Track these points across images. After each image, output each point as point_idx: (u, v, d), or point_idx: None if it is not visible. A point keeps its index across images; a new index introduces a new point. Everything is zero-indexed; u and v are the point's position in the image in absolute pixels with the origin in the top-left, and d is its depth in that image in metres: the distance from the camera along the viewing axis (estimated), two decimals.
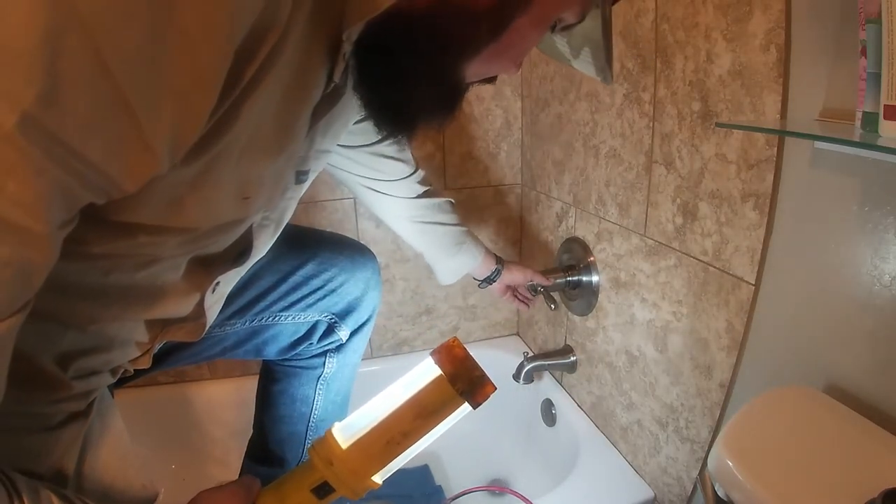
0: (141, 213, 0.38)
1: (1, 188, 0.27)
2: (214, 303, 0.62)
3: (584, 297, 1.18)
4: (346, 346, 0.90)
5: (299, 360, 0.89)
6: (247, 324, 0.81)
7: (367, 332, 0.93)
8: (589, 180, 1.13)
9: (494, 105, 1.41)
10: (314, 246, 0.86)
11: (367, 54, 0.41)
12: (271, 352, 0.86)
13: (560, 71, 1.20)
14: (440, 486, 1.34)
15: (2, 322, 0.31)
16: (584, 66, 0.54)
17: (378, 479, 0.52)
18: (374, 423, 0.50)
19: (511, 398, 1.42)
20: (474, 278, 1.08)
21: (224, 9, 0.30)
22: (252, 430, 0.96)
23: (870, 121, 0.49)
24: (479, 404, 0.52)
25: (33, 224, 0.29)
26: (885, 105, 0.47)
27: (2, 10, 0.24)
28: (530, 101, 1.38)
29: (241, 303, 0.79)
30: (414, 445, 0.51)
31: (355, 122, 0.69)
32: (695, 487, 0.91)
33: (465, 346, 0.52)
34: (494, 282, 1.08)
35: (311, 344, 0.87)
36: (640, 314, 1.00)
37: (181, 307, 0.55)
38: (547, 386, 1.38)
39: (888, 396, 0.57)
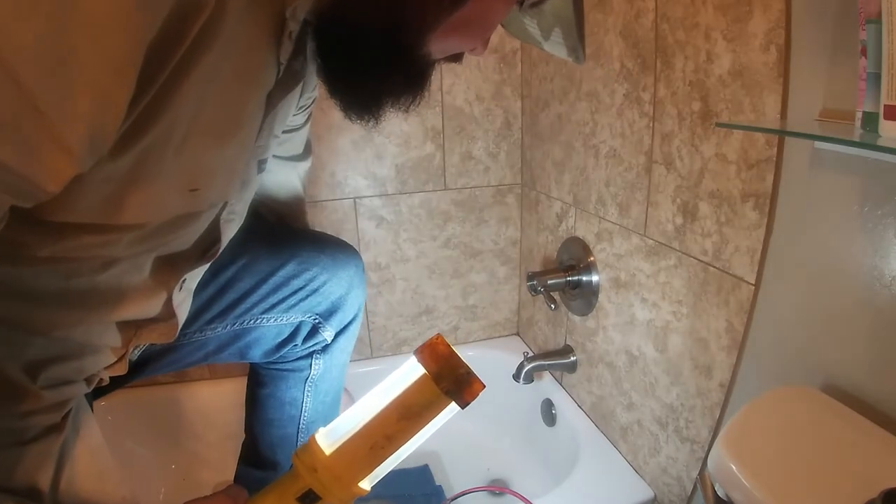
0: (77, 213, 0.36)
1: None
2: (182, 300, 0.60)
3: (584, 297, 1.18)
4: (332, 346, 0.88)
5: (285, 362, 0.87)
6: (228, 327, 0.79)
7: (353, 331, 0.91)
8: (589, 180, 1.13)
9: (494, 105, 1.41)
10: (294, 245, 0.84)
11: (324, 34, 0.39)
12: (255, 355, 0.84)
13: (560, 71, 1.20)
14: (440, 486, 1.34)
15: None
16: (556, 47, 0.50)
17: (366, 485, 0.50)
18: (358, 428, 0.48)
19: (511, 398, 1.42)
20: None
21: None
22: (244, 434, 0.95)
23: (870, 121, 0.49)
24: (468, 403, 0.49)
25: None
26: (885, 105, 0.47)
27: None
28: (530, 101, 1.38)
29: (222, 306, 0.78)
30: (401, 449, 0.49)
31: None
32: (695, 487, 0.91)
33: (449, 343, 0.50)
34: None
35: (295, 346, 0.85)
36: (640, 314, 1.00)
37: (148, 307, 0.53)
38: (547, 386, 1.38)
39: (888, 396, 0.57)
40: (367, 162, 1.37)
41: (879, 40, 0.46)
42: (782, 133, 0.66)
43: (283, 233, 0.87)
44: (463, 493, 1.19)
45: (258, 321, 0.81)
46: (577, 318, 1.24)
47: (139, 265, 0.48)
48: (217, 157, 0.42)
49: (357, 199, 1.39)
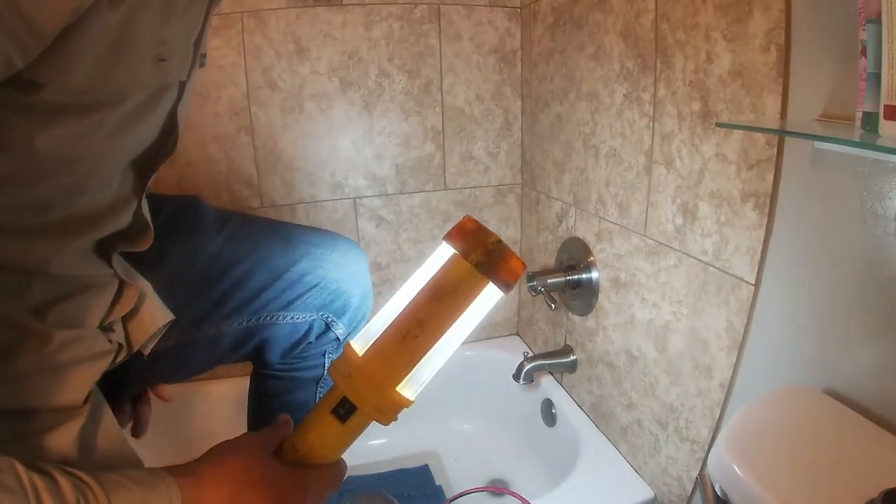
0: (68, 78, 0.34)
1: None
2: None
3: (584, 297, 1.18)
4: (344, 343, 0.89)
5: (299, 362, 0.87)
6: (244, 323, 0.79)
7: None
8: (589, 180, 1.13)
9: (494, 105, 1.41)
10: (305, 243, 0.84)
11: None
12: (273, 355, 0.83)
13: (560, 71, 1.20)
14: (440, 486, 1.34)
15: None
16: None
17: (408, 392, 0.44)
18: (393, 323, 0.43)
19: (511, 398, 1.42)
20: None
21: None
22: None
23: (870, 121, 0.49)
24: (507, 284, 0.43)
25: None
26: (885, 105, 0.47)
27: None
28: (530, 101, 1.38)
29: (238, 301, 0.77)
30: (439, 342, 0.43)
31: None
32: (695, 487, 0.91)
33: (477, 220, 0.45)
34: None
35: (309, 343, 0.85)
36: (640, 314, 1.00)
37: (122, 220, 0.52)
38: (547, 386, 1.38)
39: (888, 397, 0.57)
40: (367, 162, 1.37)
41: (879, 40, 0.46)
42: (782, 133, 0.66)
43: (292, 230, 0.86)
44: (463, 494, 1.19)
45: (274, 318, 0.80)
46: (577, 318, 1.24)
47: (108, 178, 0.47)
48: (178, 29, 0.42)
49: (357, 199, 1.39)
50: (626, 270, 1.03)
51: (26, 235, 0.42)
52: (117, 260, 0.55)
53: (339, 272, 0.84)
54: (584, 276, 1.17)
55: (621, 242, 1.04)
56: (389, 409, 0.44)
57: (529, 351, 1.49)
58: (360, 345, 0.44)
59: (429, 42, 1.32)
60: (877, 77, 0.47)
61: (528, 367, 1.28)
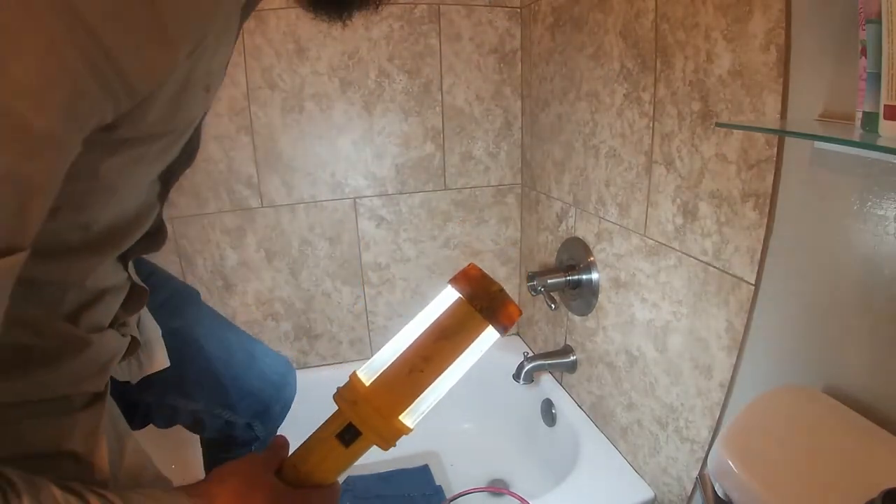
0: (140, 121, 0.35)
1: (2, 70, 0.23)
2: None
3: (584, 297, 1.18)
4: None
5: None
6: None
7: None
8: (589, 180, 1.13)
9: (494, 105, 1.41)
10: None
11: None
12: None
13: (560, 71, 1.20)
14: (440, 486, 1.34)
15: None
16: None
17: (408, 421, 0.48)
18: (399, 357, 0.47)
19: (511, 398, 1.42)
20: None
21: None
22: None
23: (870, 121, 0.49)
24: (505, 327, 0.47)
25: (40, 119, 0.25)
26: (885, 105, 0.47)
27: None
28: (530, 101, 1.38)
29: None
30: (441, 377, 0.47)
31: None
32: (695, 487, 0.91)
33: (481, 268, 0.49)
34: None
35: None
36: (640, 314, 1.00)
37: (146, 226, 0.54)
38: (547, 386, 1.38)
39: (888, 396, 0.57)
40: (367, 162, 1.37)
41: (879, 40, 0.46)
42: (782, 133, 0.66)
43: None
44: (463, 494, 1.19)
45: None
46: (577, 318, 1.24)
47: (140, 187, 0.48)
48: (220, 58, 0.44)
49: (357, 199, 1.39)
50: (626, 270, 1.03)
51: (70, 253, 0.44)
52: (130, 264, 0.57)
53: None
54: (584, 276, 1.17)
55: (621, 242, 1.04)
56: (392, 436, 0.47)
57: (529, 351, 1.49)
58: (365, 375, 0.47)
59: (429, 42, 1.32)
60: (877, 77, 0.47)
61: (528, 367, 1.28)
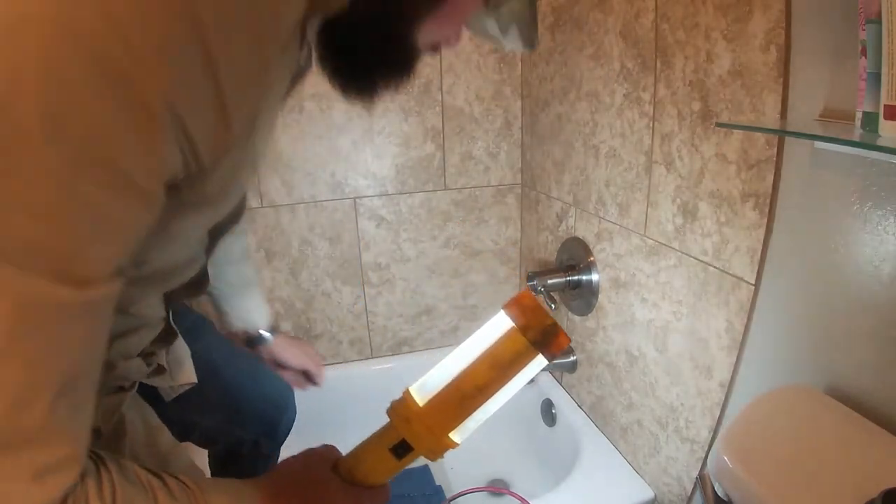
0: (200, 188, 0.39)
1: (139, 159, 0.30)
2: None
3: (584, 297, 1.18)
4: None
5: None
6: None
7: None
8: (589, 180, 1.13)
9: (494, 105, 1.41)
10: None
11: (329, 35, 0.45)
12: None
13: (560, 71, 1.20)
14: (440, 486, 1.34)
15: (99, 285, 0.32)
16: (512, 42, 0.56)
17: (456, 437, 0.51)
18: (452, 380, 0.49)
19: (511, 398, 1.42)
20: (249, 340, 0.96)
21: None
22: None
23: (870, 121, 0.49)
24: (554, 356, 0.50)
25: (150, 183, 0.32)
26: (885, 105, 0.47)
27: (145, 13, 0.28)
28: (530, 101, 1.38)
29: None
30: (490, 401, 0.50)
31: None
32: (695, 487, 0.91)
33: (534, 297, 0.51)
34: (259, 345, 0.95)
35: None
36: (640, 314, 1.00)
37: (191, 274, 0.58)
38: (547, 386, 1.38)
39: (888, 397, 0.57)
40: (367, 162, 1.37)
41: (879, 40, 0.46)
42: (782, 133, 0.66)
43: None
44: (463, 493, 1.19)
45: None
46: (577, 318, 1.24)
47: (193, 240, 0.53)
48: (266, 143, 0.49)
49: (357, 199, 1.39)
50: (626, 270, 1.03)
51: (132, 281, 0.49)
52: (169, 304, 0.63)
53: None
54: (584, 276, 1.17)
55: (621, 242, 1.04)
56: (441, 450, 0.51)
57: None
58: (419, 395, 0.51)
59: None
60: (877, 77, 0.47)
61: None
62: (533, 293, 0.53)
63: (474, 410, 0.49)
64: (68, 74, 0.28)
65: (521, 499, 0.97)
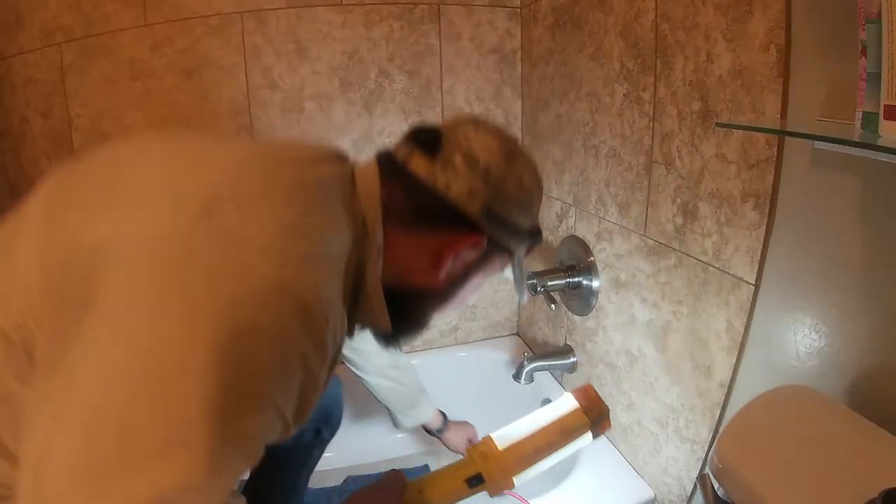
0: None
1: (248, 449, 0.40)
2: None
3: (583, 297, 1.18)
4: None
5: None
6: None
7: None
8: (589, 180, 1.13)
9: (494, 105, 1.41)
10: None
11: (379, 328, 0.63)
12: None
13: (560, 71, 1.20)
14: None
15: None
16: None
17: (517, 481, 0.62)
18: (526, 435, 0.64)
19: (511, 398, 1.42)
20: (425, 429, 1.24)
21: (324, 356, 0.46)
22: None
23: (870, 121, 0.49)
24: (598, 436, 0.66)
25: (255, 445, 0.42)
26: (885, 105, 0.47)
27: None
28: (530, 101, 1.38)
29: None
30: (549, 457, 0.63)
31: None
32: (695, 487, 0.91)
33: (595, 389, 0.67)
34: (437, 436, 1.24)
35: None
36: (640, 314, 1.00)
37: None
38: (547, 386, 1.38)
39: (888, 396, 0.57)
40: None
41: (879, 40, 0.46)
42: (782, 133, 0.66)
43: None
44: None
45: None
46: (577, 318, 1.24)
47: None
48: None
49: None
50: (626, 270, 1.03)
51: None
52: None
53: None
54: (584, 276, 1.17)
55: (621, 242, 1.04)
56: (504, 488, 0.62)
57: (529, 351, 1.49)
58: (499, 441, 0.64)
59: (429, 42, 1.32)
60: (877, 77, 0.47)
61: (528, 367, 1.28)
62: (595, 389, 0.68)
63: (539, 461, 0.63)
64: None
65: (521, 498, 0.97)
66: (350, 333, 0.61)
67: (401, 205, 0.58)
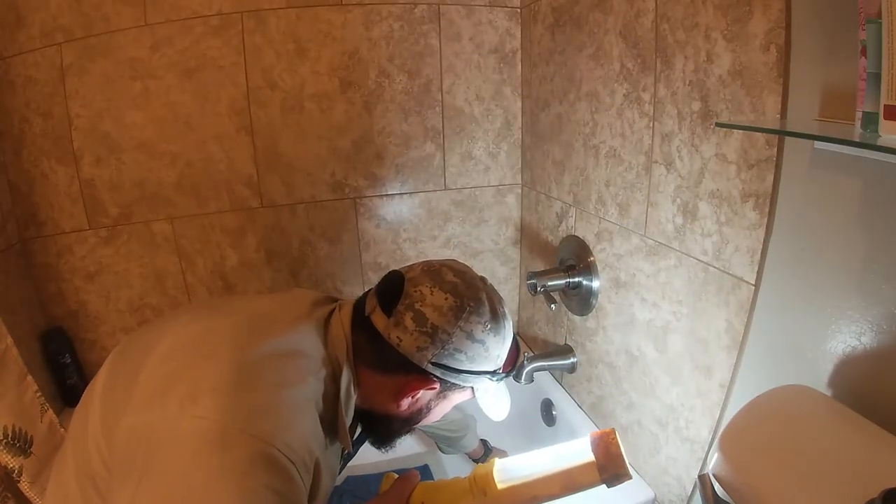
0: None
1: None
2: None
3: (583, 297, 1.18)
4: None
5: None
6: None
7: None
8: (589, 180, 1.13)
9: (494, 105, 1.41)
10: None
11: (370, 437, 0.79)
12: None
13: (560, 71, 1.20)
14: None
15: None
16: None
17: None
18: (528, 479, 0.62)
19: (511, 398, 1.42)
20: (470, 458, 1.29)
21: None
22: None
23: (870, 121, 0.49)
24: (613, 486, 0.62)
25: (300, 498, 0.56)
26: (885, 105, 0.47)
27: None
28: (530, 101, 1.38)
29: None
30: None
31: None
32: (695, 487, 0.91)
33: (619, 443, 0.62)
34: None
35: None
36: (640, 314, 1.00)
37: None
38: (547, 386, 1.38)
39: (888, 396, 0.57)
40: (367, 162, 1.37)
41: (879, 40, 0.46)
42: (782, 133, 0.66)
43: None
44: None
45: None
46: (576, 318, 1.24)
47: None
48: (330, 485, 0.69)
49: (357, 199, 1.39)
50: (626, 270, 1.03)
51: None
52: None
53: None
54: (583, 276, 1.17)
55: (621, 242, 1.04)
56: None
57: (529, 351, 1.49)
58: (500, 477, 0.64)
59: (429, 42, 1.32)
60: (877, 77, 0.47)
61: (528, 367, 1.28)
62: (618, 439, 0.63)
63: None
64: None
65: None
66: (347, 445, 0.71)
67: (366, 350, 0.68)
